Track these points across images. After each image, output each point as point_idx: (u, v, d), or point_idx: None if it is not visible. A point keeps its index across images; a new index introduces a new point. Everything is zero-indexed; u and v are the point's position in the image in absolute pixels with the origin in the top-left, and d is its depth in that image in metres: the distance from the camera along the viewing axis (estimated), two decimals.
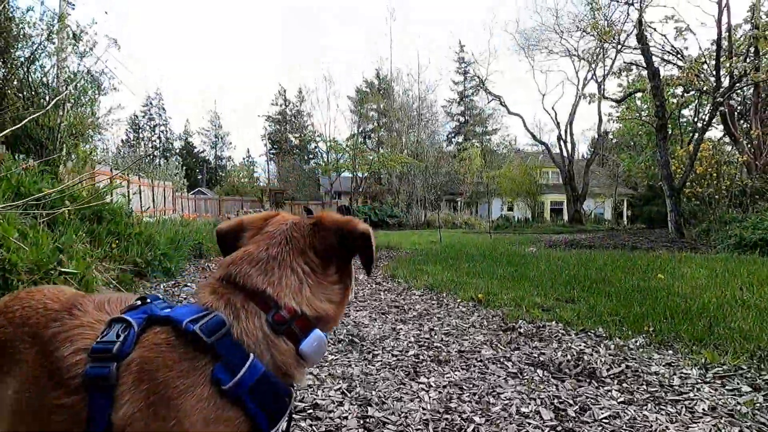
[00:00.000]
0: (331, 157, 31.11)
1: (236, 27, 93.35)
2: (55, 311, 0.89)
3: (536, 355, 2.76)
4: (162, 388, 0.72)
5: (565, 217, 31.63)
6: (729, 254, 7.99)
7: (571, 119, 28.02)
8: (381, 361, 2.67)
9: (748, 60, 13.29)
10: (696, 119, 22.72)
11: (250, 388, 0.74)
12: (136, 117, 55.84)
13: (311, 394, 2.16)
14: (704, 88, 14.10)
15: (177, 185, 27.88)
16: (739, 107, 17.80)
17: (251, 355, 0.77)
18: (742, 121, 17.55)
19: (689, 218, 14.39)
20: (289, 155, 45.71)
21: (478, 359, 2.71)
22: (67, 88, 7.73)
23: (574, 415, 1.99)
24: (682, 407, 2.06)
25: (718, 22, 13.51)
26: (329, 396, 2.14)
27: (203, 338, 0.75)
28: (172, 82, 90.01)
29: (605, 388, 2.27)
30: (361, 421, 1.92)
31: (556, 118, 28.98)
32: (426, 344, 3.01)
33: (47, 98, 7.69)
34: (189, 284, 4.75)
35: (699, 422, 1.91)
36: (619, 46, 17.98)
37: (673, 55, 15.60)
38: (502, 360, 2.69)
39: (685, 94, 19.01)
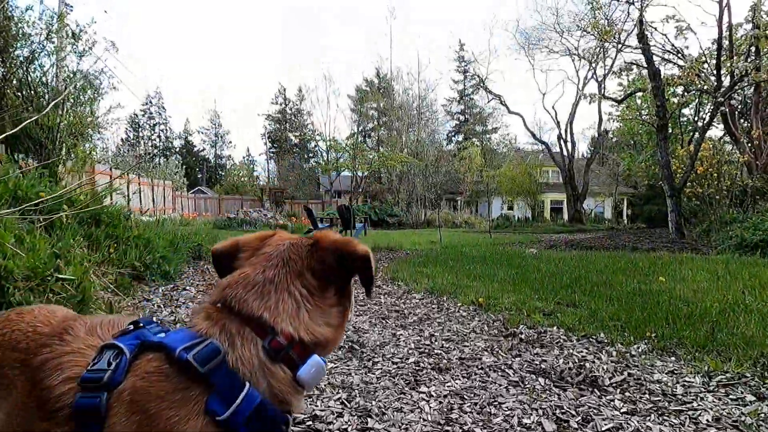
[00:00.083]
0: (330, 156, 31.11)
1: (236, 27, 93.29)
2: (46, 336, 0.87)
3: (538, 363, 2.73)
4: (154, 420, 0.69)
5: (565, 216, 31.63)
6: (730, 255, 7.97)
7: (572, 118, 28.04)
8: (381, 368, 2.65)
9: (749, 60, 13.26)
10: (696, 118, 22.70)
11: (246, 419, 0.72)
12: (136, 115, 55.82)
13: (310, 404, 2.13)
14: (705, 88, 14.06)
15: (177, 184, 27.90)
16: (739, 107, 17.76)
17: (247, 384, 0.75)
18: (742, 120, 17.51)
19: (689, 218, 14.37)
20: (288, 154, 45.70)
21: (479, 367, 2.68)
22: (66, 88, 7.70)
23: (576, 426, 1.97)
24: (686, 418, 2.04)
25: (719, 21, 13.48)
26: (329, 407, 2.11)
27: (197, 368, 0.73)
28: (172, 82, 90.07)
29: (608, 398, 2.25)
30: None
31: (556, 117, 29.06)
32: (426, 351, 2.98)
33: (46, 97, 7.66)
34: (188, 287, 4.73)
35: None
36: (620, 46, 17.95)
37: (673, 54, 15.56)
38: (503, 368, 2.66)
39: (686, 94, 18.97)
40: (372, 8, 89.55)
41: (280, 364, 0.79)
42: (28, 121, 4.88)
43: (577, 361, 2.73)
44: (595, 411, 2.10)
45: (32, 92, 7.54)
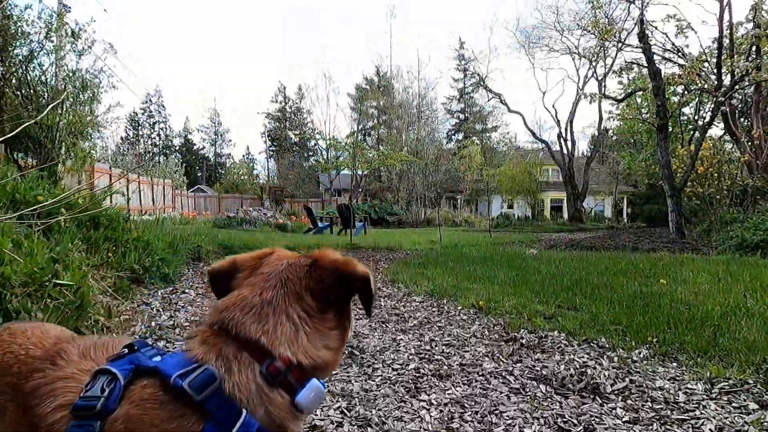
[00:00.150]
0: (330, 154, 31.08)
1: (236, 27, 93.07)
2: (38, 359, 0.85)
3: (539, 369, 2.71)
4: None
5: (565, 215, 31.62)
6: (731, 256, 7.96)
7: (572, 117, 28.00)
8: (381, 375, 2.63)
9: (749, 59, 13.23)
10: (697, 118, 22.66)
11: None
12: (136, 114, 55.75)
13: (310, 414, 2.11)
14: (705, 87, 14.03)
15: (176, 183, 27.87)
16: (740, 106, 17.72)
17: (244, 411, 0.73)
18: (743, 120, 17.47)
19: (690, 218, 14.36)
20: (288, 152, 45.68)
21: (480, 373, 2.66)
22: (65, 88, 7.67)
23: None
24: (688, 427, 2.02)
25: (720, 20, 13.44)
26: (328, 416, 2.09)
27: (192, 396, 0.71)
28: (172, 82, 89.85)
29: (609, 405, 2.23)
30: None
31: (556, 116, 28.97)
32: (427, 356, 2.97)
33: (46, 96, 7.63)
34: (187, 290, 4.71)
35: None
36: (620, 45, 17.91)
37: (674, 53, 15.52)
38: (504, 374, 2.65)
39: (686, 93, 18.93)
40: (372, 8, 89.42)
41: (278, 389, 0.77)
42: (27, 123, 4.85)
43: (578, 367, 2.71)
44: (597, 420, 2.08)
45: (31, 91, 7.51)
